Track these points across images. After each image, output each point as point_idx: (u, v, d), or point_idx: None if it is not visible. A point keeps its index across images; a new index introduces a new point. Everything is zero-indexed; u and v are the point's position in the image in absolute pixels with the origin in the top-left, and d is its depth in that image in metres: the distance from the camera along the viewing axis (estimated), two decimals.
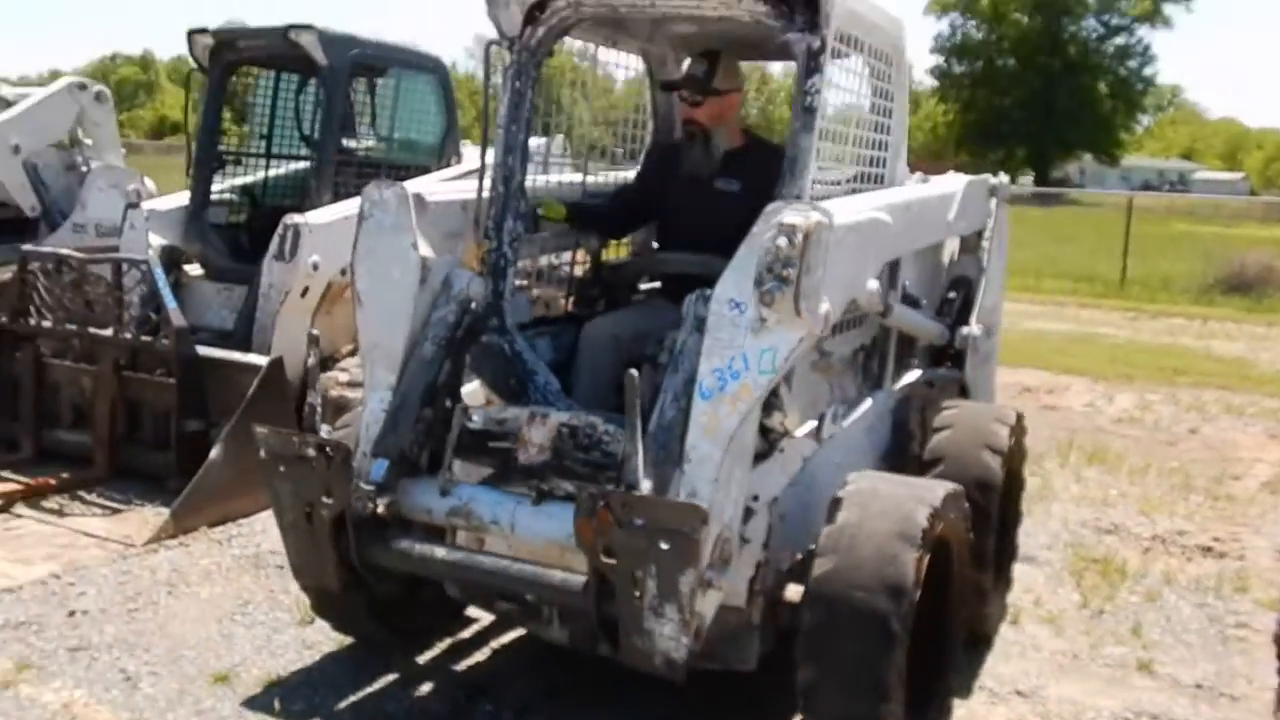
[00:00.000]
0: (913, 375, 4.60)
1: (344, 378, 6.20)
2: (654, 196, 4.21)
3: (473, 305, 3.52)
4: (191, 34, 7.04)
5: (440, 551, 3.26)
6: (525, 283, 4.23)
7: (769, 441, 3.31)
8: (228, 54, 7.00)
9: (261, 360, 5.60)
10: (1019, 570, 4.80)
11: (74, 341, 6.03)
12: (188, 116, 7.30)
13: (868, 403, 4.14)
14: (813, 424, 3.61)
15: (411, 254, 3.40)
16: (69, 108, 8.68)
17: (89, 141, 8.90)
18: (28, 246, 6.39)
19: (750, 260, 2.90)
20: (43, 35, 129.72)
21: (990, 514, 3.93)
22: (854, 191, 3.78)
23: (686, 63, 4.24)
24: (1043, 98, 59.72)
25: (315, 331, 3.63)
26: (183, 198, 7.07)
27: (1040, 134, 60.50)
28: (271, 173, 7.68)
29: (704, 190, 3.92)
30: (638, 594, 2.82)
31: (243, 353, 5.88)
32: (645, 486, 2.89)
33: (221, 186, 7.35)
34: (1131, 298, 16.68)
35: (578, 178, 4.56)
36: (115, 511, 5.43)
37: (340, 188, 6.75)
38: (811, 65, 3.30)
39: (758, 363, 2.92)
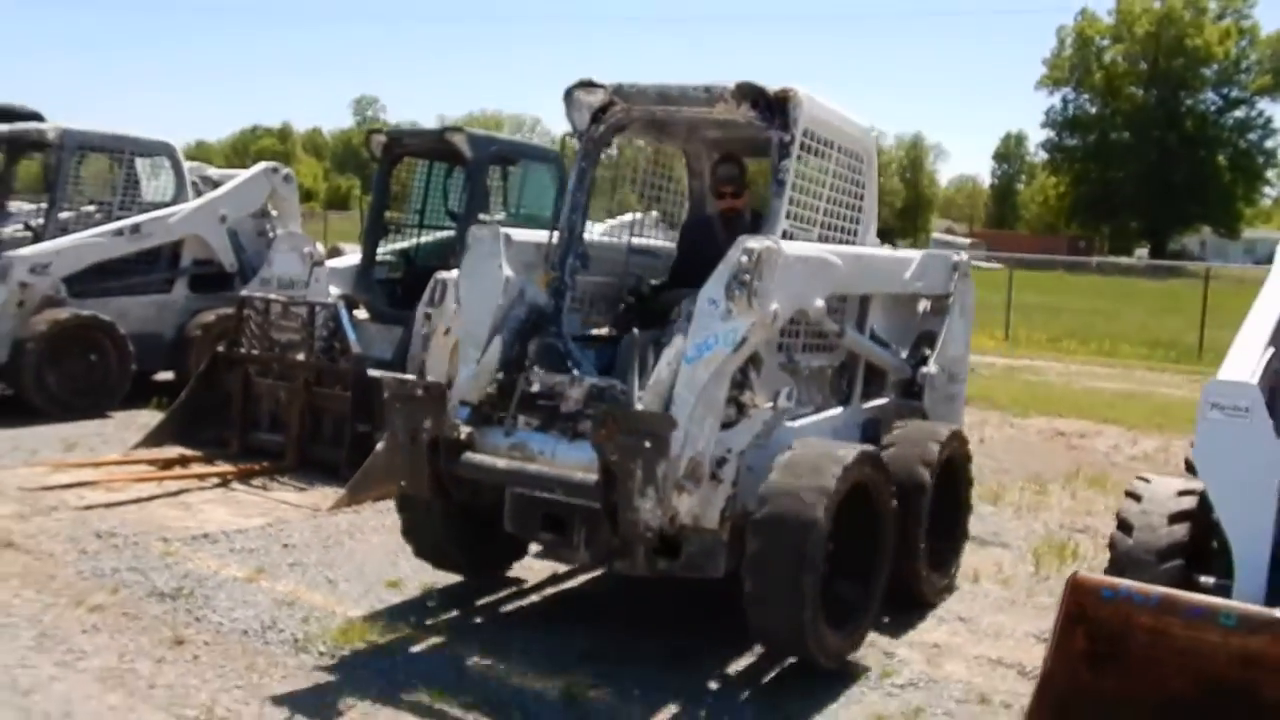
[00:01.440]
0: (881, 400, 5.88)
1: None
2: (691, 251, 5.70)
3: (539, 311, 5.02)
4: (370, 134, 9.06)
5: (500, 463, 4.57)
6: (579, 306, 5.48)
7: (741, 411, 4.53)
8: (396, 148, 8.97)
9: (410, 378, 7.39)
10: (993, 552, 6.21)
11: (274, 364, 7.92)
12: (362, 197, 9.29)
13: (835, 410, 5.45)
14: (786, 402, 4.73)
15: (499, 271, 4.92)
16: (264, 186, 10.85)
17: (275, 213, 11.02)
18: (245, 292, 8.35)
19: (725, 272, 4.33)
20: (189, 107, 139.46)
21: (920, 511, 5.08)
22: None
23: (714, 162, 5.87)
24: (1159, 171, 59.46)
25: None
26: (354, 258, 9.00)
27: (1156, 207, 60.25)
28: (423, 239, 9.58)
29: (716, 247, 4.99)
30: (630, 480, 4.04)
31: (399, 374, 7.69)
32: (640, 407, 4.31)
33: (384, 250, 9.26)
34: (1205, 363, 17.36)
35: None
36: (303, 489, 7.22)
37: None
38: (782, 152, 4.77)
39: (724, 339, 4.29)
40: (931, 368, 6.01)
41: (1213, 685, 3.09)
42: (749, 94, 4.75)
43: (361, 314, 8.81)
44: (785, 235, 4.74)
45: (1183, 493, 4.04)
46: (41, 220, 9.73)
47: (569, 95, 5.19)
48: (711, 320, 4.30)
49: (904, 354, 6.09)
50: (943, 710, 4.38)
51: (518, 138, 10.02)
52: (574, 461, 4.41)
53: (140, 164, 10.78)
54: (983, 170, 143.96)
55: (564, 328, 5.11)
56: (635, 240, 5.99)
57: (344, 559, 5.88)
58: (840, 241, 5.30)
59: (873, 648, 4.86)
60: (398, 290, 9.09)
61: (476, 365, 4.81)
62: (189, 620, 4.91)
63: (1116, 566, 3.97)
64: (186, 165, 11.14)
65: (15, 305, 8.91)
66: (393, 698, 4.22)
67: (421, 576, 5.55)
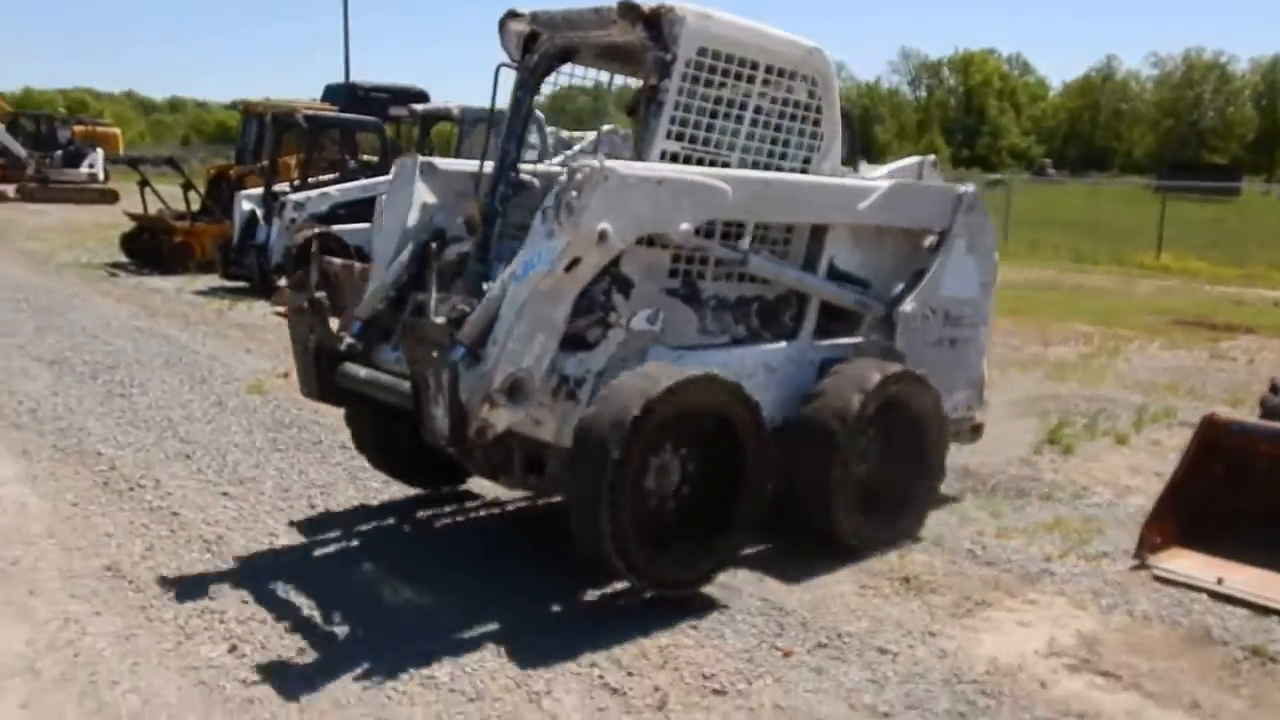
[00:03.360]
0: (848, 340, 5.45)
1: None
2: None
3: (441, 233, 5.05)
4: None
5: (362, 373, 4.76)
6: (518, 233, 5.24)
7: (605, 333, 4.50)
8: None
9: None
10: None
11: None
12: None
13: (765, 345, 5.13)
14: (649, 325, 4.66)
15: (410, 196, 5.04)
16: (606, 144, 13.18)
17: None
18: None
19: (553, 192, 4.33)
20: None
21: (837, 437, 4.80)
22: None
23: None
24: None
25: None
26: None
27: None
28: None
29: None
30: (424, 389, 4.23)
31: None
32: (437, 320, 4.26)
33: None
34: None
35: None
36: None
37: None
38: (661, 71, 4.62)
39: (544, 258, 4.22)
40: (908, 306, 5.55)
41: None
42: (629, 13, 4.62)
43: None
44: (670, 158, 4.70)
45: None
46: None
47: (501, 25, 5.19)
48: (538, 239, 4.30)
49: (894, 290, 5.67)
50: None
51: None
52: None
53: None
54: None
55: (492, 254, 5.07)
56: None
57: None
58: (773, 169, 5.15)
59: None
60: None
61: (376, 284, 5.03)
62: None
63: (1265, 415, 5.82)
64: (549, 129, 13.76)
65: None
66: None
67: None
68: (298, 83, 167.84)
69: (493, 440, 4.32)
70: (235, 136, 20.38)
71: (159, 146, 53.60)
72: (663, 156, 4.69)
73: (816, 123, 5.24)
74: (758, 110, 5.03)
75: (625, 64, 5.33)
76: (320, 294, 4.88)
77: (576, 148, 13.43)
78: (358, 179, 13.76)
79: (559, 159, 12.70)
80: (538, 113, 13.55)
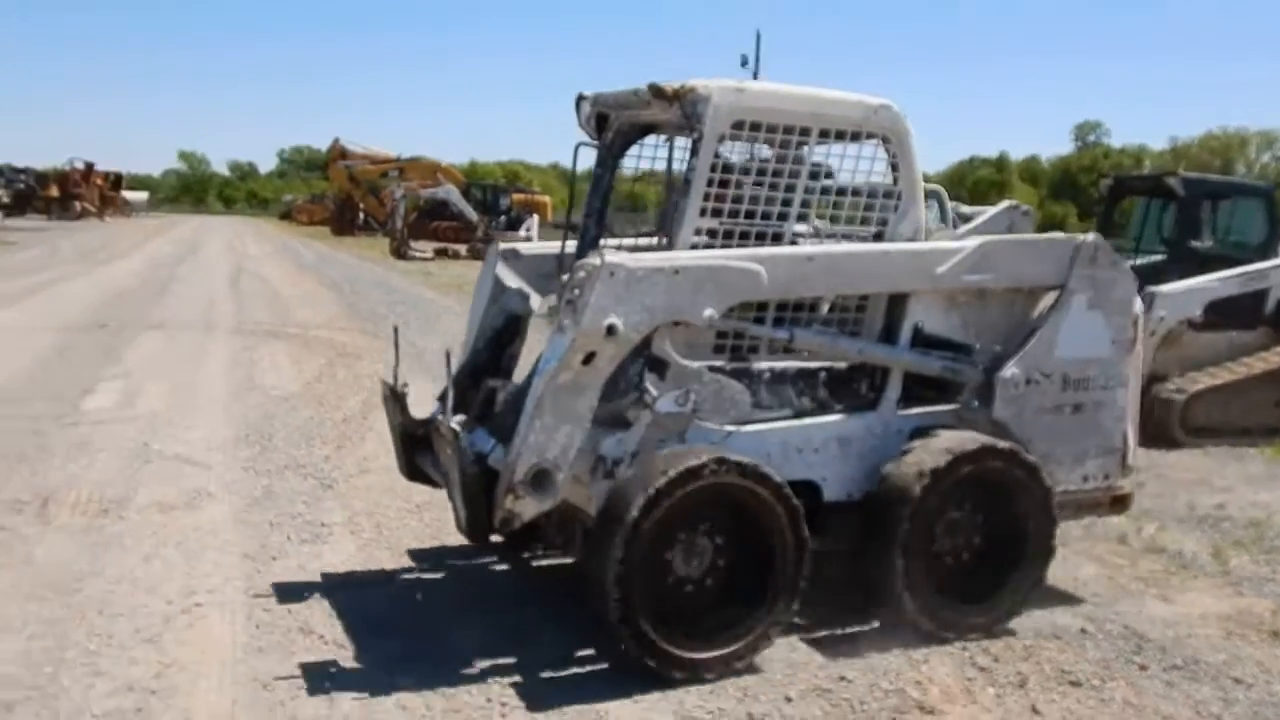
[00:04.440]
0: (941, 407, 5.08)
1: (1171, 387, 9.96)
2: None
3: (518, 317, 5.26)
4: (1100, 177, 11.51)
5: (451, 453, 4.52)
6: None
7: (639, 412, 4.46)
8: (1119, 189, 11.32)
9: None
10: None
11: None
12: (1080, 224, 11.69)
13: (840, 417, 4.88)
14: (678, 406, 4.51)
15: (489, 283, 5.29)
16: (1005, 220, 13.76)
17: None
18: None
19: (564, 289, 4.46)
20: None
21: (895, 527, 4.57)
22: (774, 238, 4.77)
23: None
24: None
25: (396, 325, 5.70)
26: None
27: None
28: (1137, 261, 11.67)
29: None
30: (451, 486, 4.56)
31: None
32: (452, 423, 4.48)
33: None
34: None
35: None
36: None
37: (1184, 273, 10.51)
38: (692, 149, 4.61)
39: (555, 353, 4.28)
40: (1008, 371, 5.08)
41: None
42: (657, 95, 4.64)
43: None
44: (709, 234, 4.69)
45: None
46: None
47: (576, 106, 5.33)
48: (556, 335, 4.36)
49: (989, 354, 5.16)
50: None
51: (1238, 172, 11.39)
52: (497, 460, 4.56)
53: None
54: None
55: None
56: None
57: None
58: (848, 237, 5.01)
59: None
60: None
61: (458, 369, 5.09)
62: None
63: None
64: (949, 204, 14.52)
65: None
66: None
67: None
68: None
69: (559, 518, 4.67)
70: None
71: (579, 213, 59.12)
72: (699, 234, 4.67)
73: (893, 182, 5.00)
74: (814, 176, 4.88)
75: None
76: (403, 383, 5.18)
77: (975, 221, 14.00)
78: None
79: (960, 231, 13.40)
80: (938, 186, 14.39)
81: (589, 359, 4.26)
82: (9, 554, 5.35)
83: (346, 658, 4.40)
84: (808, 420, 4.83)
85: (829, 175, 4.95)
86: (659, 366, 4.48)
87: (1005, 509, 4.93)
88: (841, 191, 4.99)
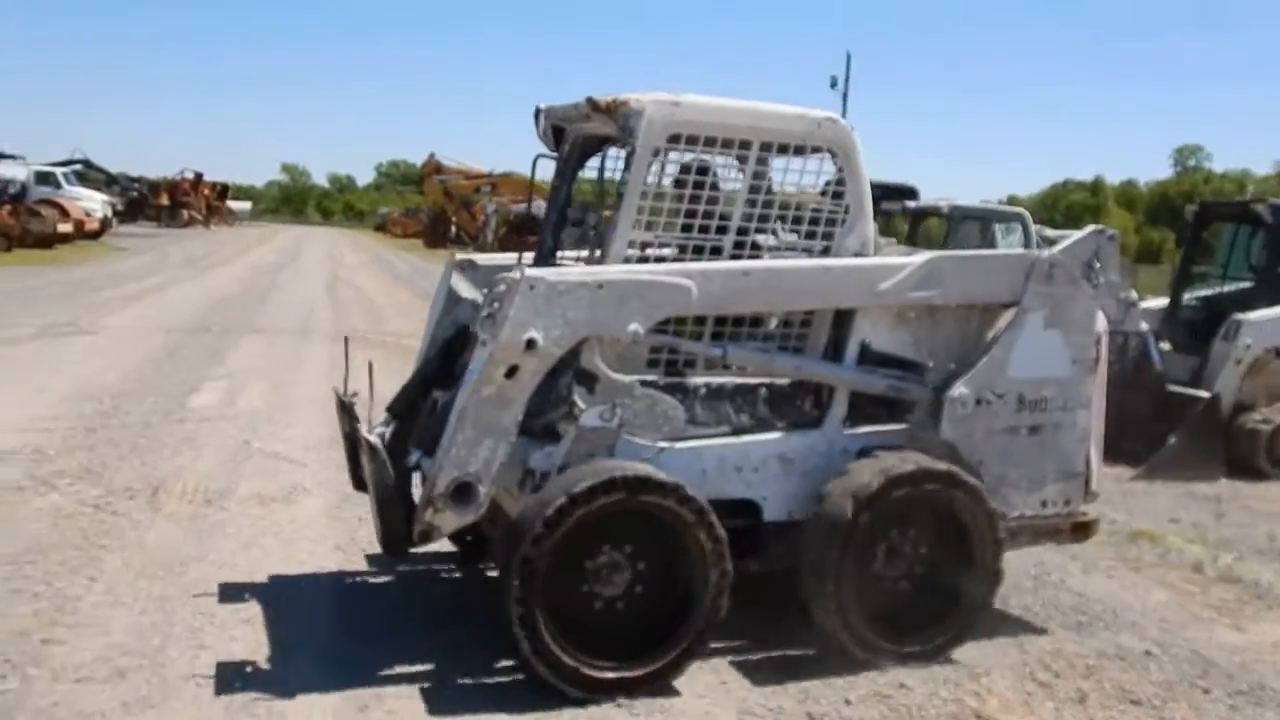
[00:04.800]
0: (888, 426, 4.93)
1: (1257, 417, 9.80)
2: None
3: (466, 329, 4.97)
4: (1186, 204, 11.36)
5: (369, 467, 4.52)
6: None
7: (567, 425, 4.38)
8: (1206, 215, 11.15)
9: (1204, 394, 9.58)
10: None
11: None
12: (1174, 250, 11.55)
13: (781, 434, 4.75)
14: (603, 422, 4.41)
15: (443, 295, 5.24)
16: (1091, 244, 13.60)
17: (1099, 265, 13.69)
18: None
19: (485, 302, 4.38)
20: (1002, 165, 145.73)
21: (828, 554, 4.42)
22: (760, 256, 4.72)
23: None
24: None
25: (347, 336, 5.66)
26: (1158, 301, 11.34)
27: None
28: (1225, 288, 11.54)
29: None
30: (375, 494, 4.42)
31: (1192, 389, 9.88)
32: (371, 438, 4.56)
33: (1189, 296, 11.43)
34: None
35: None
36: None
37: (1272, 301, 10.34)
38: (626, 162, 4.58)
39: (475, 368, 4.25)
40: (956, 390, 4.90)
41: None
42: (593, 108, 4.66)
43: (1165, 346, 11.12)
44: (643, 247, 4.62)
45: None
46: None
47: (535, 120, 5.34)
48: (478, 349, 4.34)
49: (939, 373, 5.00)
50: None
51: None
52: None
53: (998, 228, 14.32)
54: None
55: None
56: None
57: None
58: (789, 246, 4.86)
59: None
60: (1199, 328, 11.17)
61: (409, 381, 5.15)
62: None
63: None
64: (1033, 227, 14.41)
65: None
66: None
67: None
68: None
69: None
70: None
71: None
72: (632, 246, 4.58)
73: (838, 196, 4.85)
74: (754, 190, 4.74)
75: None
76: (351, 394, 4.98)
77: (1059, 246, 13.86)
78: None
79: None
80: (1023, 210, 14.26)
81: (511, 372, 4.20)
82: (123, 537, 5.76)
83: (424, 644, 4.65)
84: (746, 438, 4.71)
85: (769, 190, 4.78)
86: (588, 380, 4.40)
87: (948, 533, 4.74)
88: (785, 205, 4.83)
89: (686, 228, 4.67)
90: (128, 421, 8.49)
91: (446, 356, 5.01)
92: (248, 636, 4.60)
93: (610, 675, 4.19)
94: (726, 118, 4.62)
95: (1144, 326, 10.48)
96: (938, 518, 4.71)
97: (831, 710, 4.26)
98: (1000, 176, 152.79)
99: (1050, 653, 4.98)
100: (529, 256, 5.30)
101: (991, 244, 14.53)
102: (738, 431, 4.72)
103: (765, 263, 4.72)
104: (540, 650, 4.07)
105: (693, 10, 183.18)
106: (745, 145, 4.66)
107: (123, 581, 5.12)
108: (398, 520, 4.32)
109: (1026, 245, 14.04)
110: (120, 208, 41.24)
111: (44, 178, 33.70)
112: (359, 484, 5.09)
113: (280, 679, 4.21)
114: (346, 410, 4.97)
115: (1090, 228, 14.77)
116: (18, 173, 32.29)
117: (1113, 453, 9.71)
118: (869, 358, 4.90)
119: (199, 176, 51.80)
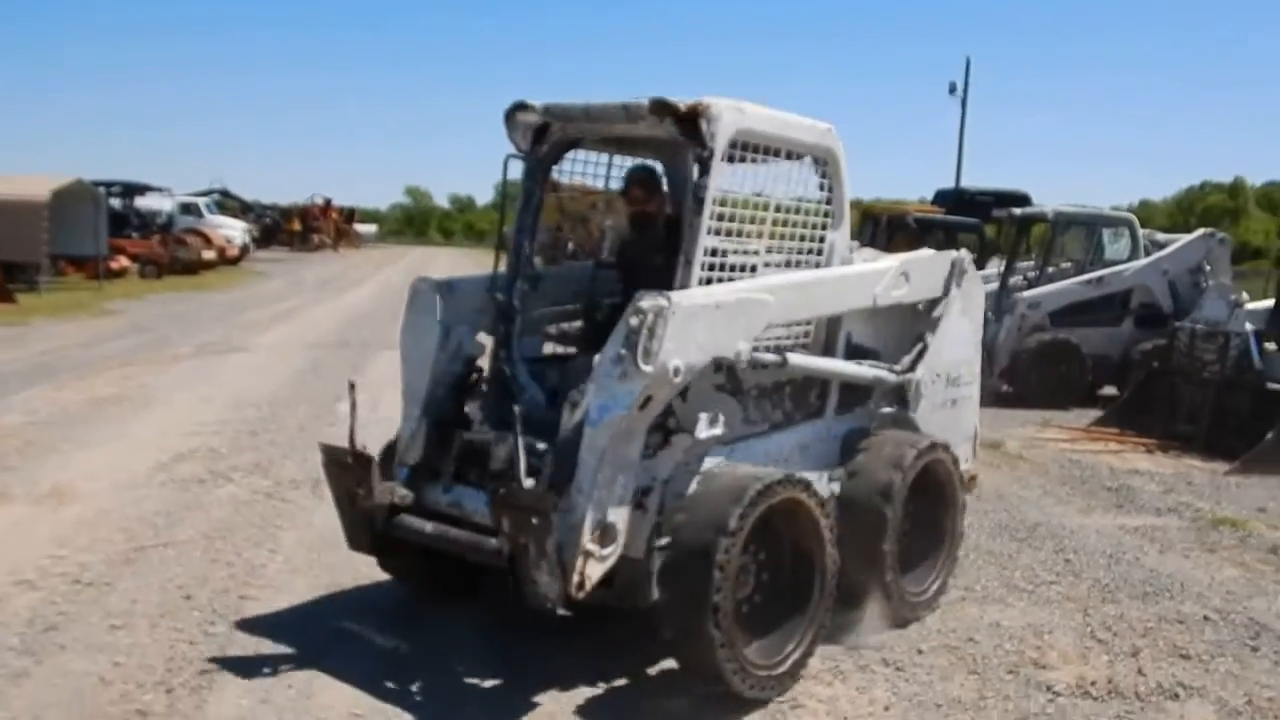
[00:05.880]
0: (863, 410, 5.53)
1: None
2: (624, 264, 5.34)
3: (473, 361, 4.84)
4: None
5: (428, 527, 4.45)
6: (537, 330, 5.31)
7: (666, 439, 4.38)
8: None
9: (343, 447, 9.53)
10: None
11: (1194, 376, 10.88)
12: None
13: (798, 427, 5.17)
14: (712, 429, 4.51)
15: (435, 326, 4.75)
16: (1201, 248, 13.76)
17: (1209, 268, 13.82)
18: (1177, 324, 11.48)
19: (620, 332, 4.07)
20: (1133, 169, 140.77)
21: (886, 516, 4.94)
22: (775, 264, 4.77)
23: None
24: None
25: (353, 381, 5.13)
26: (1265, 303, 11.47)
27: None
28: None
29: (650, 258, 4.84)
30: (525, 556, 4.00)
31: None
32: (528, 483, 4.11)
33: None
34: None
35: None
36: (1206, 460, 10.01)
37: None
38: (701, 168, 4.37)
39: (622, 402, 4.05)
40: (919, 374, 5.65)
41: None
42: (663, 110, 4.43)
43: (1270, 346, 11.27)
44: (712, 254, 4.45)
45: None
46: (1036, 273, 14.04)
47: (508, 118, 4.96)
48: (610, 382, 4.10)
49: (905, 360, 5.68)
50: None
51: None
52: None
53: (1105, 232, 14.56)
54: None
55: (515, 352, 4.98)
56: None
57: None
58: (797, 253, 5.00)
59: None
60: None
61: (415, 423, 4.75)
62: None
63: None
64: (1141, 231, 14.57)
65: (1016, 329, 13.26)
66: None
67: None
68: (915, 184, 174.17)
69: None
70: (855, 235, 23.17)
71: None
72: (706, 253, 4.45)
73: (829, 201, 5.10)
74: (781, 195, 4.91)
75: (640, 151, 5.37)
76: (361, 445, 4.65)
77: (1169, 250, 14.11)
78: None
79: (1151, 260, 13.53)
80: (1129, 215, 14.48)
81: (646, 402, 4.13)
82: (294, 519, 6.67)
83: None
84: (778, 433, 5.09)
85: (782, 195, 4.94)
86: (682, 390, 4.41)
87: (934, 489, 5.54)
88: (795, 210, 4.97)
89: (738, 233, 4.68)
90: (285, 425, 9.50)
91: (457, 393, 4.85)
92: (404, 591, 5.41)
93: (782, 670, 4.39)
94: (769, 126, 4.69)
95: (1248, 327, 10.76)
96: (932, 478, 5.48)
97: (905, 658, 4.87)
98: (1134, 181, 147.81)
99: (1114, 617, 5.53)
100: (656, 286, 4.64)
101: (1099, 249, 14.75)
102: (775, 428, 5.11)
103: (815, 274, 5.05)
104: (735, 655, 4.15)
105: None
106: (776, 153, 4.74)
107: (298, 554, 6.01)
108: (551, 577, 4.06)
109: (1134, 250, 14.24)
110: (256, 234, 43.48)
111: (187, 208, 35.70)
112: (377, 548, 4.84)
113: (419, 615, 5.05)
114: (364, 466, 4.57)
115: (1200, 231, 15.06)
116: (164, 204, 34.48)
117: (1211, 449, 10.09)
118: (852, 352, 5.48)
119: (328, 202, 53.99)
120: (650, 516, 4.31)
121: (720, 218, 4.48)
